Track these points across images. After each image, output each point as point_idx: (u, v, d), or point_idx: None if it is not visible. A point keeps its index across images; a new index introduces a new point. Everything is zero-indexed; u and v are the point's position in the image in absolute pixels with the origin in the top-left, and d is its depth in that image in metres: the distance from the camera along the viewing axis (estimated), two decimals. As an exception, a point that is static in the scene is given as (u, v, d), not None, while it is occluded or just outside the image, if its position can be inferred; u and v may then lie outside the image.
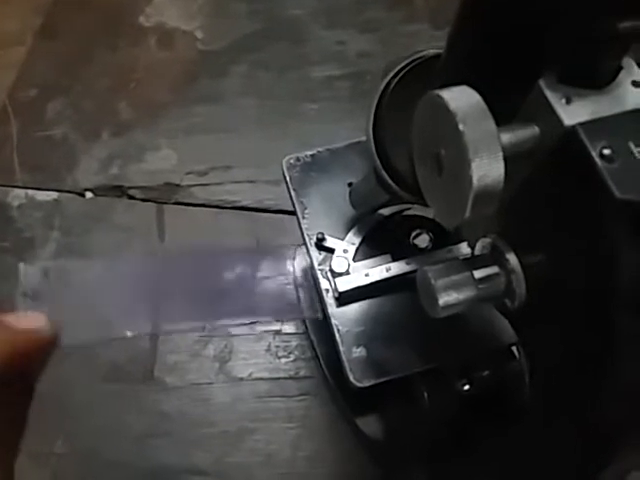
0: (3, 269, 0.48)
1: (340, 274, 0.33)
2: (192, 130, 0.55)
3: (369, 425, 0.41)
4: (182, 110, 0.56)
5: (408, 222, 0.36)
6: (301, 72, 0.57)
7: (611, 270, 0.16)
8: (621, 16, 0.16)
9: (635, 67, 0.18)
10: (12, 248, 0.50)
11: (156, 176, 0.52)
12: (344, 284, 0.33)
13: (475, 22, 0.19)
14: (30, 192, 0.53)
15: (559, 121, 0.17)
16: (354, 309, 0.33)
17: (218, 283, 0.30)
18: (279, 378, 0.45)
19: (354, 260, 0.34)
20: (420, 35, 0.58)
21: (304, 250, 0.37)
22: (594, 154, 0.16)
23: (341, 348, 0.32)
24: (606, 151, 0.16)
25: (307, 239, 0.35)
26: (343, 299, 0.33)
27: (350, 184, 0.36)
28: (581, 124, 0.16)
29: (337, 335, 0.32)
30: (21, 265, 0.26)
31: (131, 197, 0.52)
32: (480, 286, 0.22)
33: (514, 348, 0.36)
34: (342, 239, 0.35)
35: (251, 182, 0.52)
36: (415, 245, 0.35)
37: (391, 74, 0.28)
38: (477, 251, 0.24)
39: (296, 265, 0.47)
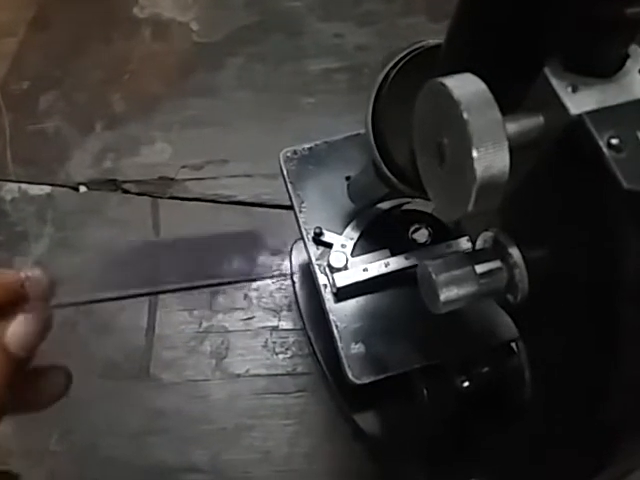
0: (-4, 264, 0.48)
1: (338, 269, 0.33)
2: (187, 123, 0.54)
3: (367, 421, 0.40)
4: (177, 103, 0.55)
5: (407, 217, 0.35)
6: (298, 65, 0.56)
7: (617, 262, 0.16)
8: (627, 1, 0.15)
9: (643, 55, 0.17)
10: (5, 242, 0.50)
11: (151, 170, 0.52)
12: (342, 279, 0.32)
13: (477, 8, 0.18)
14: (23, 186, 0.52)
15: (565, 110, 0.16)
16: (352, 305, 0.33)
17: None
18: (276, 374, 0.44)
19: (352, 255, 0.33)
20: (418, 28, 0.57)
21: (301, 245, 0.37)
22: (601, 144, 0.15)
23: (339, 344, 0.32)
24: (614, 141, 0.15)
25: (304, 233, 0.34)
26: (341, 295, 0.33)
27: (348, 177, 0.36)
28: (588, 113, 0.16)
29: (335, 331, 0.32)
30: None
31: (125, 191, 0.52)
32: (482, 281, 0.21)
33: (513, 344, 0.36)
34: (340, 234, 0.34)
35: (248, 176, 0.52)
36: (414, 240, 0.35)
37: (390, 65, 0.27)
38: (478, 245, 0.23)
39: (293, 259, 0.47)
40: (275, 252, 0.49)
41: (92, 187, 0.52)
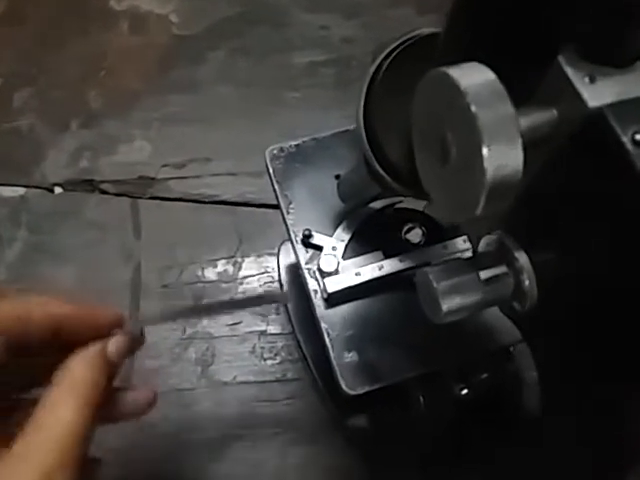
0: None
1: (329, 274, 0.31)
2: (167, 120, 0.52)
3: (360, 429, 0.39)
4: (157, 99, 0.53)
5: (399, 216, 0.34)
6: (283, 58, 0.54)
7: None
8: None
9: (663, 42, 0.16)
10: (-24, 248, 0.47)
11: (130, 169, 0.49)
12: (333, 284, 0.31)
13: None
14: (-5, 188, 0.50)
15: (582, 102, 0.14)
16: (344, 311, 0.31)
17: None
18: (265, 381, 0.42)
19: (344, 258, 0.32)
20: (406, 20, 0.56)
21: (289, 245, 0.35)
22: (625, 140, 0.14)
23: (331, 353, 0.30)
24: (638, 136, 0.13)
25: (293, 236, 0.33)
26: (333, 300, 0.31)
27: (338, 176, 0.34)
28: (608, 106, 0.14)
29: (327, 339, 0.30)
30: None
31: (103, 192, 0.49)
32: (486, 288, 0.20)
33: (512, 349, 0.34)
34: (330, 235, 0.32)
35: (232, 175, 0.49)
36: (407, 240, 0.33)
37: (382, 55, 0.25)
38: (481, 248, 0.22)
39: (281, 261, 0.45)
40: (261, 254, 0.47)
41: (68, 188, 0.50)
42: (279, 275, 0.44)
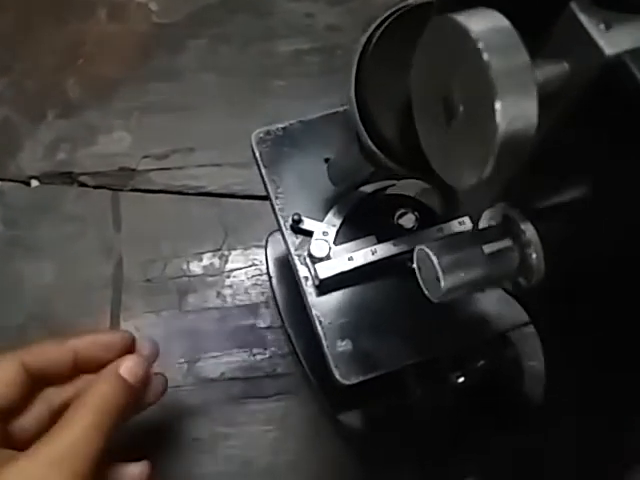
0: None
1: (320, 259, 0.30)
2: (148, 109, 0.50)
3: (354, 422, 0.38)
4: (136, 88, 0.51)
5: (392, 201, 0.33)
6: (266, 46, 0.53)
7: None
8: None
9: (679, -10, 0.15)
10: (-51, 244, 0.45)
11: (109, 160, 0.48)
12: (325, 270, 0.29)
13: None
14: (-31, 182, 0.48)
15: (599, 50, 0.13)
16: (337, 298, 0.30)
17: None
18: (254, 377, 0.41)
19: (335, 243, 0.31)
20: (391, 7, 0.55)
21: (277, 237, 0.33)
22: (648, 87, 0.12)
23: (324, 342, 0.29)
24: (661, 84, 0.12)
25: (282, 222, 0.31)
26: (324, 287, 0.30)
27: (327, 160, 0.32)
28: (627, 52, 0.13)
29: (319, 328, 0.29)
30: None
31: (82, 184, 0.47)
32: (490, 263, 0.19)
33: (509, 335, 0.33)
34: (321, 220, 0.31)
35: (216, 165, 0.48)
36: (400, 225, 0.32)
37: (373, 26, 0.24)
38: (483, 224, 0.21)
39: (269, 253, 0.44)
40: (249, 246, 0.46)
41: (45, 181, 0.48)
42: (267, 268, 0.43)
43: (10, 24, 0.55)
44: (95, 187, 0.47)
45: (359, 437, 0.38)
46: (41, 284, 0.44)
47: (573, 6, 0.14)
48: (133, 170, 0.47)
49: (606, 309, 0.17)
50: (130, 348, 0.33)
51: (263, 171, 0.32)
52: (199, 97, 0.50)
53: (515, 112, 0.12)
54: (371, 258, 0.30)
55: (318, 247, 0.30)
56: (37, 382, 0.30)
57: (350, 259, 0.30)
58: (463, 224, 0.30)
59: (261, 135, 0.33)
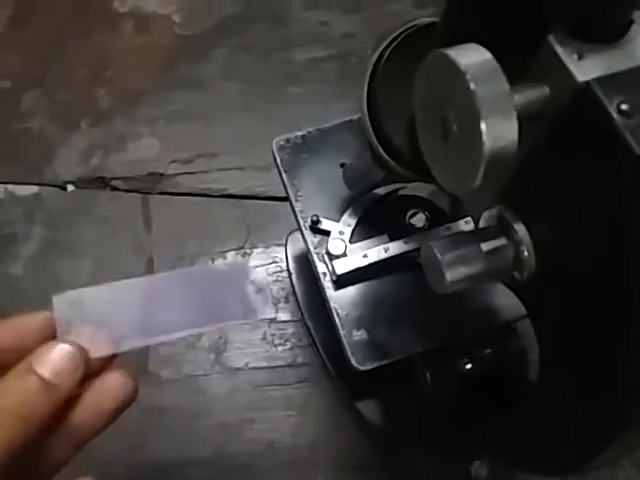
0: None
1: (337, 256, 0.32)
2: (174, 117, 0.53)
3: (369, 409, 0.40)
4: (162, 97, 0.54)
5: (404, 202, 0.35)
6: (285, 54, 0.56)
7: (629, 231, 0.16)
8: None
9: (646, 21, 0.17)
10: (-6, 245, 0.49)
11: (139, 166, 0.51)
12: (342, 266, 0.32)
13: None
14: (10, 187, 0.51)
15: (571, 78, 0.16)
16: (353, 292, 0.33)
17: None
18: (276, 366, 0.44)
19: (351, 242, 0.33)
20: (404, 14, 0.57)
21: (297, 236, 0.36)
22: (611, 110, 0.15)
23: (341, 332, 0.31)
24: (624, 106, 0.15)
25: (301, 222, 0.34)
26: (341, 282, 0.32)
27: (343, 164, 0.35)
28: (595, 79, 0.15)
29: (337, 319, 0.32)
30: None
31: (114, 188, 0.51)
32: (488, 259, 0.21)
33: (515, 325, 0.36)
34: (337, 221, 0.34)
35: (239, 169, 0.51)
36: (412, 225, 0.34)
37: (384, 44, 0.27)
38: (482, 224, 0.23)
39: (289, 251, 0.46)
40: (269, 245, 0.48)
41: (80, 185, 0.51)
42: (287, 265, 0.46)
43: (41, 38, 0.58)
44: (126, 191, 0.50)
45: (374, 423, 0.41)
46: (78, 282, 0.47)
47: (551, 38, 0.16)
48: (161, 175, 0.51)
49: (589, 301, 0.19)
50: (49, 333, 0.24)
51: (284, 176, 0.35)
52: (221, 105, 0.53)
53: (498, 132, 0.15)
54: (384, 255, 0.32)
55: (335, 245, 0.33)
56: None
57: (365, 256, 0.32)
58: (469, 223, 0.32)
59: (281, 142, 0.36)
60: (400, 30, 0.26)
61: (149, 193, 0.50)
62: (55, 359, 0.21)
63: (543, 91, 0.17)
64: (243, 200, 0.50)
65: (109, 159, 0.52)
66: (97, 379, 0.24)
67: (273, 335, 0.45)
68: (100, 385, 0.24)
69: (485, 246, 0.21)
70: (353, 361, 0.31)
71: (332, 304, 0.32)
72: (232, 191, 0.50)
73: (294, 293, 0.45)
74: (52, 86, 0.56)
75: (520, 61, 0.17)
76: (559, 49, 0.16)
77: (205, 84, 0.55)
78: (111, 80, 0.55)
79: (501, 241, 0.21)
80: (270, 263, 0.48)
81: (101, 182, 0.51)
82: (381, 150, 0.27)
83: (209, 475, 0.41)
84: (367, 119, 0.27)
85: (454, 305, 0.32)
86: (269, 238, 0.48)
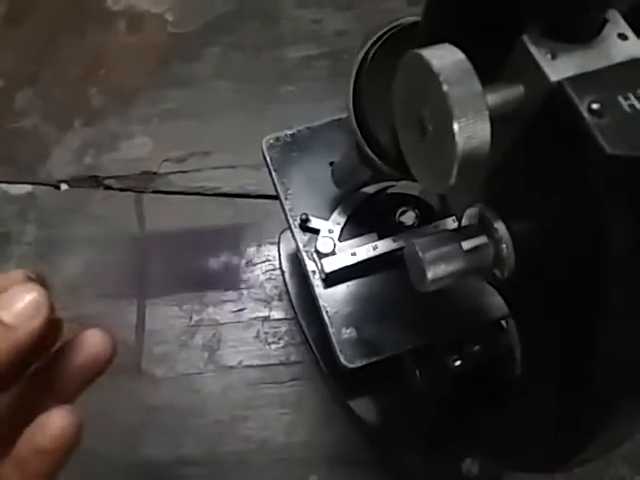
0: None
1: (326, 255, 0.32)
2: (167, 116, 0.53)
3: (362, 407, 0.41)
4: (155, 95, 0.54)
5: (393, 200, 0.35)
6: (277, 53, 0.56)
7: (601, 231, 0.16)
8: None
9: (621, 19, 0.17)
10: (-13, 244, 0.49)
11: (132, 164, 0.51)
12: (330, 265, 0.32)
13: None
14: (3, 186, 0.51)
15: (545, 77, 0.16)
16: (342, 290, 0.33)
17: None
18: (270, 365, 0.44)
19: (340, 240, 0.33)
20: (397, 11, 0.56)
21: (289, 234, 0.36)
22: (582, 109, 0.15)
23: (330, 330, 0.31)
24: (595, 106, 0.15)
25: (291, 221, 0.34)
26: (330, 280, 0.33)
27: (332, 163, 0.35)
28: (568, 79, 0.15)
29: (326, 317, 0.32)
30: None
31: (107, 187, 0.51)
32: (469, 257, 0.21)
33: (503, 322, 0.36)
34: (327, 219, 0.34)
35: (231, 167, 0.51)
36: (401, 222, 0.34)
37: (368, 44, 0.27)
38: (464, 222, 0.23)
39: (281, 249, 0.47)
40: (262, 243, 0.49)
41: (73, 184, 0.51)
42: (280, 263, 0.46)
43: (35, 37, 0.58)
44: (120, 190, 0.51)
45: (367, 421, 0.41)
46: (71, 280, 0.48)
47: (525, 38, 0.16)
48: (154, 173, 0.51)
49: (565, 300, 0.19)
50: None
51: (273, 174, 0.35)
52: (213, 103, 0.53)
53: (470, 132, 0.15)
54: (372, 253, 0.32)
55: (324, 244, 0.33)
56: None
57: (353, 254, 0.32)
58: (457, 221, 0.32)
59: (271, 141, 0.36)
60: (386, 29, 0.26)
61: (142, 192, 0.51)
62: (15, 301, 0.20)
63: (518, 90, 0.17)
64: (236, 198, 0.50)
65: (102, 158, 0.52)
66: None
67: (266, 333, 0.45)
68: (76, 342, 0.23)
69: (466, 244, 0.21)
70: (342, 359, 0.31)
71: (321, 302, 0.32)
72: (225, 190, 0.50)
73: (287, 291, 0.45)
74: (45, 85, 0.56)
75: (497, 60, 0.17)
76: (533, 49, 0.16)
77: (198, 83, 0.55)
78: (104, 79, 0.56)
79: (482, 239, 0.21)
80: (263, 261, 0.48)
81: (94, 181, 0.51)
82: (367, 149, 0.27)
83: (203, 473, 0.41)
84: (353, 118, 0.27)
85: (443, 302, 0.32)
86: (262, 236, 0.49)
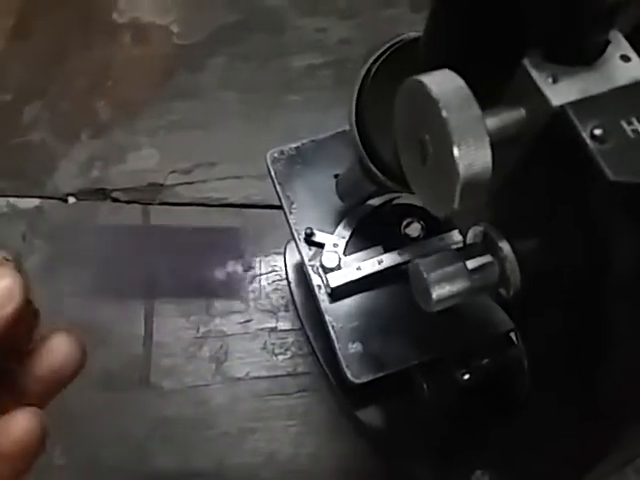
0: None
1: (331, 269, 0.32)
2: (173, 127, 0.53)
3: (370, 418, 0.40)
4: (161, 107, 0.54)
5: (398, 211, 0.35)
6: (282, 62, 0.56)
7: (604, 255, 0.16)
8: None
9: (623, 41, 0.17)
10: (-4, 259, 0.49)
11: (139, 176, 0.51)
12: (336, 279, 0.32)
13: (453, 2, 0.18)
14: (12, 200, 0.52)
15: (546, 101, 0.16)
16: (348, 304, 0.33)
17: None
18: (277, 376, 0.44)
19: (345, 254, 0.33)
20: (400, 19, 0.57)
21: (294, 245, 0.36)
22: (585, 135, 0.15)
23: (337, 345, 0.31)
24: (597, 131, 0.15)
25: (296, 235, 0.34)
26: (336, 294, 0.32)
27: (337, 175, 0.35)
28: (570, 103, 0.15)
29: (332, 332, 0.32)
30: None
31: (115, 199, 0.51)
32: (474, 276, 0.21)
33: (512, 334, 0.35)
34: (332, 233, 0.34)
35: (237, 178, 0.51)
36: (407, 234, 0.34)
37: (371, 60, 0.27)
38: (469, 239, 0.23)
39: (288, 259, 0.47)
40: (269, 253, 0.49)
41: (81, 197, 0.52)
42: (286, 273, 0.46)
43: (42, 50, 0.59)
44: (127, 202, 0.51)
45: (375, 432, 0.41)
46: (81, 292, 0.48)
47: (525, 62, 0.16)
48: (161, 185, 0.51)
49: (569, 321, 0.19)
50: None
51: (278, 188, 0.35)
52: (219, 114, 0.53)
53: (471, 158, 0.15)
54: (378, 267, 0.32)
55: (329, 258, 0.33)
56: None
57: (359, 269, 0.32)
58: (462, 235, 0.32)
59: (275, 155, 0.36)
60: (387, 45, 0.26)
61: (149, 204, 0.51)
62: None
63: (519, 114, 0.17)
64: (242, 209, 0.50)
65: (109, 170, 0.52)
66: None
67: (273, 344, 0.45)
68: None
69: (470, 264, 0.21)
70: (349, 374, 0.31)
71: (327, 317, 0.32)
72: (231, 200, 0.50)
73: (293, 302, 0.45)
74: (53, 98, 0.56)
75: (497, 84, 0.17)
76: (534, 73, 0.16)
77: (203, 93, 0.55)
78: (111, 91, 0.56)
79: (486, 258, 0.21)
80: (269, 272, 0.48)
81: (102, 194, 0.51)
82: (370, 164, 0.27)
83: (211, 485, 0.41)
84: (356, 133, 0.27)
85: (450, 317, 0.32)
86: (268, 247, 0.49)
